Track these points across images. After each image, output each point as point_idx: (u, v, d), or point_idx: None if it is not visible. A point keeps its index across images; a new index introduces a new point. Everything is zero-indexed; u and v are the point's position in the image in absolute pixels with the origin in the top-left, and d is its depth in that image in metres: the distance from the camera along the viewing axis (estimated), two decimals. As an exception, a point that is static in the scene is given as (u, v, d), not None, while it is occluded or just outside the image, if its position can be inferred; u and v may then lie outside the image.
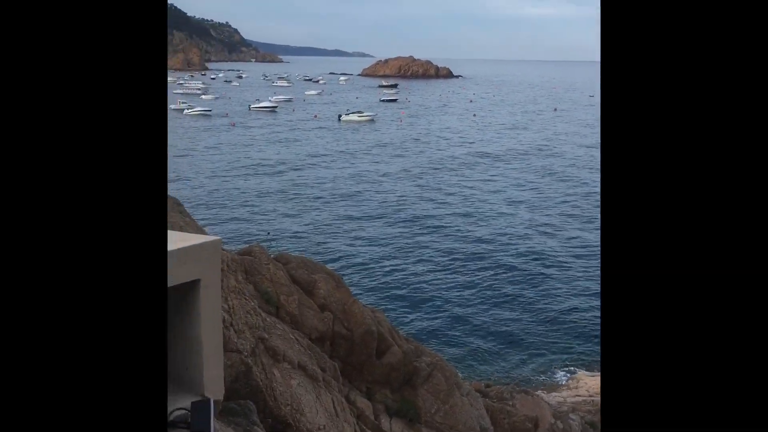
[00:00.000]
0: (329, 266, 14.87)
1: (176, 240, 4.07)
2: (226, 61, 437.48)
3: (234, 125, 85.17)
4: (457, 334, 25.19)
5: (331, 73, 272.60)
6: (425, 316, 26.79)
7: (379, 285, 29.26)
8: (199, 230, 10.45)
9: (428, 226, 38.35)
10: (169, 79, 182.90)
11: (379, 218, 40.27)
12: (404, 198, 45.65)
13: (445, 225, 38.78)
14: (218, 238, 4.25)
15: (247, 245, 12.49)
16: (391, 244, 34.95)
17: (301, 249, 32.20)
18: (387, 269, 31.22)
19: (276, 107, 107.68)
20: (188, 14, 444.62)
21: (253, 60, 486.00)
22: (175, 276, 3.82)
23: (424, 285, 29.45)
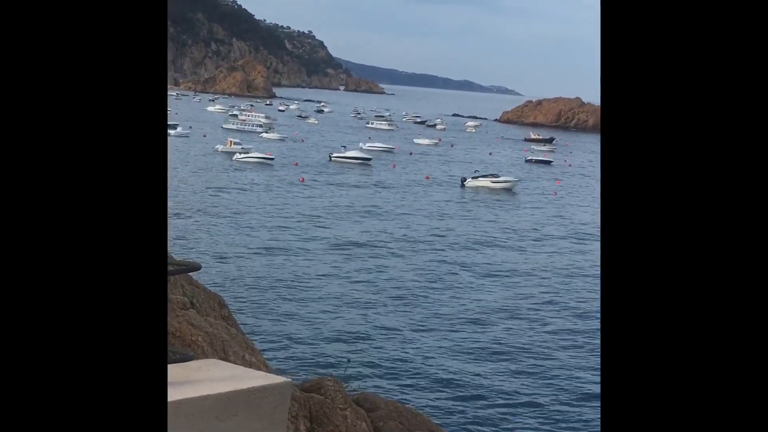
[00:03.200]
0: (436, 421, 14.23)
1: (219, 374, 4.39)
2: (304, 87, 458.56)
3: (303, 181, 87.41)
4: None
5: (454, 115, 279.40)
6: None
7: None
8: (249, 349, 10.21)
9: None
10: (219, 107, 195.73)
11: (514, 355, 39.03)
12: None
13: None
14: (287, 380, 4.46)
15: (315, 377, 12.23)
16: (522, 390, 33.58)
17: (395, 389, 31.41)
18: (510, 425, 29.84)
19: (369, 159, 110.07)
20: (256, 17, 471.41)
21: (342, 87, 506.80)
22: None
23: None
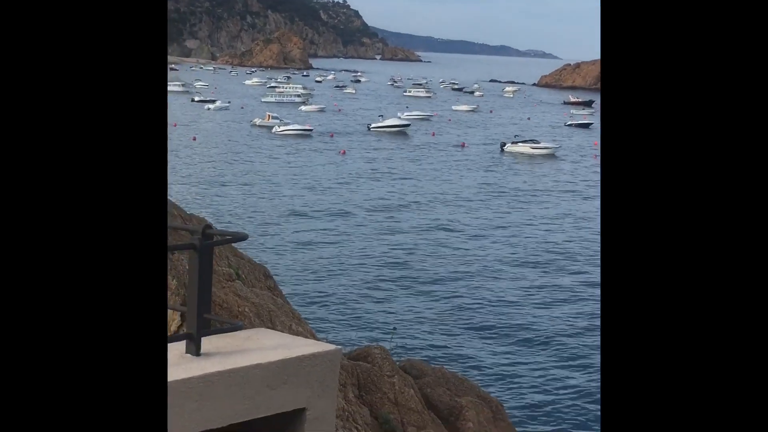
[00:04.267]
0: (486, 389, 14.27)
1: (268, 343, 4.41)
2: (340, 57, 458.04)
3: (344, 153, 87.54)
4: None
5: (492, 81, 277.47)
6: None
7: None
8: (295, 318, 10.32)
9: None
10: (257, 80, 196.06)
11: (570, 316, 38.93)
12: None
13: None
14: (336, 347, 4.47)
15: (363, 345, 12.30)
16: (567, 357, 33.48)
17: (442, 356, 31.54)
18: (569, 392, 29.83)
19: (407, 127, 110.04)
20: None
21: (378, 57, 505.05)
22: (266, 402, 4.13)
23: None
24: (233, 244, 11.71)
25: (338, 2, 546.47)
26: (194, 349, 4.30)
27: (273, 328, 8.73)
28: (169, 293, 7.79)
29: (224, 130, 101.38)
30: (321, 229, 52.55)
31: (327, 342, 4.68)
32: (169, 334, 7.63)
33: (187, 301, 4.53)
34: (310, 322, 14.23)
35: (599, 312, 3.07)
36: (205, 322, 4.40)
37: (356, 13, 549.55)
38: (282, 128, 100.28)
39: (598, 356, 31.34)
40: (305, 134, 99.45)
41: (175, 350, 4.39)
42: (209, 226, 4.51)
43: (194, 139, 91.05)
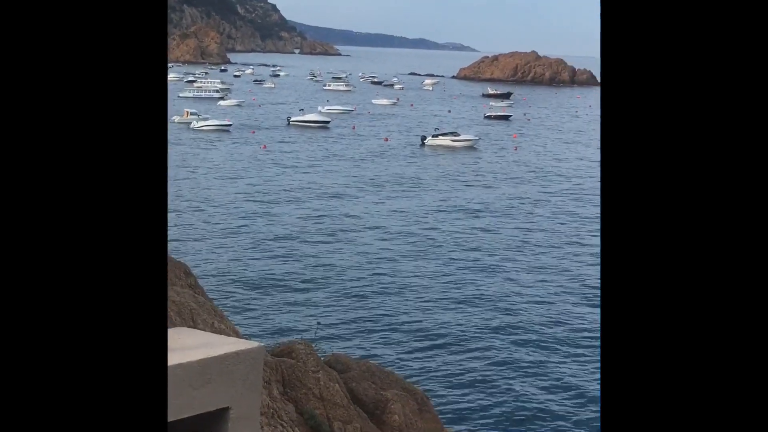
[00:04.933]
0: (409, 380, 14.35)
1: (190, 342, 4.34)
2: (258, 51, 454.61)
3: (265, 148, 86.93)
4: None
5: (411, 74, 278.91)
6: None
7: (481, 409, 28.15)
8: (217, 316, 10.19)
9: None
10: (174, 75, 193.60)
11: (475, 307, 39.34)
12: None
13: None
14: (260, 344, 4.46)
15: (286, 340, 12.26)
16: (489, 350, 33.89)
17: (366, 349, 31.60)
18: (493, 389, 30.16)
19: (328, 122, 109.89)
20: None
21: (297, 51, 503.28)
22: (189, 402, 4.07)
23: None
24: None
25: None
26: (114, 351, 4.22)
27: (195, 327, 8.63)
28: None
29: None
30: (241, 225, 52.12)
31: (250, 340, 4.61)
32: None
33: None
34: (232, 320, 14.16)
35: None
36: (125, 323, 4.34)
37: (273, 7, 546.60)
38: (200, 123, 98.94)
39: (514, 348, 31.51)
40: (224, 129, 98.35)
41: (94, 352, 4.31)
42: None
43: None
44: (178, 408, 4.06)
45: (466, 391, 29.89)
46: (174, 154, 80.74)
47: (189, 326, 8.67)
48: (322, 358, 12.03)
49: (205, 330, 8.57)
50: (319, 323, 33.60)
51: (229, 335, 8.86)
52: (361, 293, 39.75)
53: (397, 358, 32.00)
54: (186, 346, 4.36)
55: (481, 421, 28.01)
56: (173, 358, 4.14)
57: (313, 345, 12.53)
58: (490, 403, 29.20)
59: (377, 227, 53.47)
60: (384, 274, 42.94)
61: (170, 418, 4.06)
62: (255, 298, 38.21)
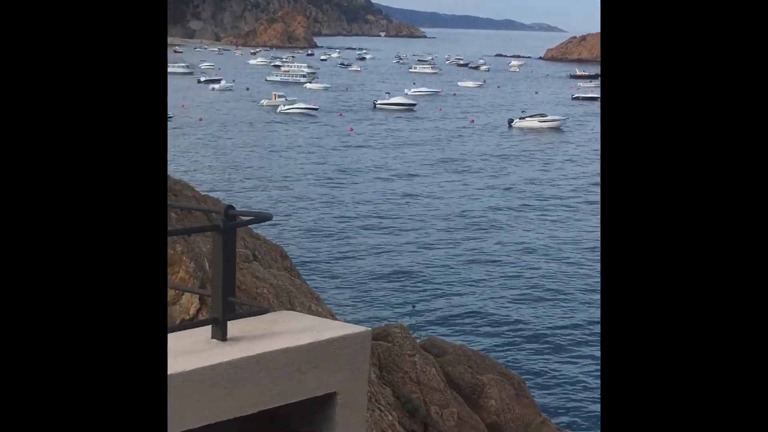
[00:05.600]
0: (506, 365, 14.26)
1: (295, 326, 4.33)
2: (344, 35, 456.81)
3: (352, 130, 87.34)
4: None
5: (498, 55, 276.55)
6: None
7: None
8: (314, 299, 10.26)
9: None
10: (261, 60, 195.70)
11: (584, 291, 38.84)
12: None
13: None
14: (366, 329, 4.40)
15: (382, 323, 12.27)
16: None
17: (462, 333, 31.59)
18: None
19: (414, 105, 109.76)
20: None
21: (383, 34, 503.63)
22: (296, 387, 4.05)
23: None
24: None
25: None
26: (220, 334, 4.17)
27: (292, 309, 8.63)
28: (186, 276, 7.69)
29: (230, 110, 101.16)
30: (332, 208, 52.48)
31: (353, 324, 4.53)
32: (187, 318, 7.54)
33: (211, 284, 4.40)
34: (326, 300, 14.23)
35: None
36: (230, 306, 4.28)
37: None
38: (287, 107, 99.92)
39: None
40: (311, 113, 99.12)
41: (200, 335, 4.27)
42: (231, 207, 4.37)
43: (200, 119, 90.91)
44: (285, 393, 4.02)
45: (564, 387, 29.64)
46: (262, 136, 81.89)
47: (287, 308, 8.68)
48: (418, 342, 12.00)
49: (302, 312, 8.58)
50: (414, 307, 33.64)
51: (326, 317, 8.86)
52: (454, 281, 39.69)
53: (492, 347, 31.87)
54: (292, 329, 4.31)
55: (576, 414, 27.74)
56: (280, 342, 4.09)
57: (409, 329, 12.51)
58: (583, 398, 28.88)
59: (464, 212, 53.23)
60: (477, 262, 42.76)
61: (277, 403, 4.02)
62: (348, 282, 38.46)
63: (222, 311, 4.19)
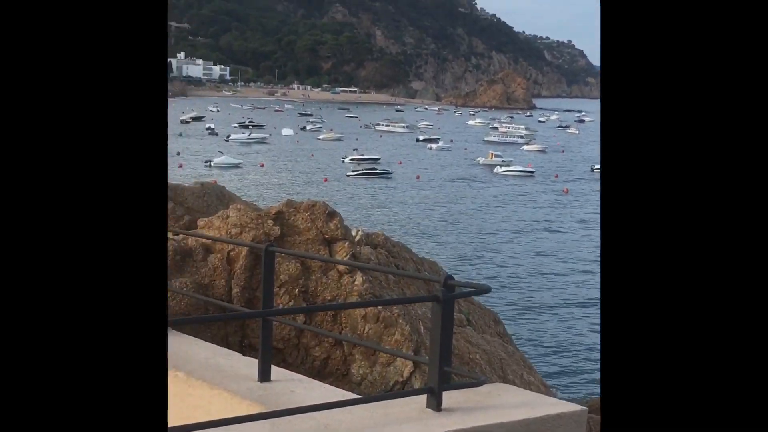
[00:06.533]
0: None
1: (511, 400, 4.25)
2: (563, 97, 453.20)
3: (567, 192, 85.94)
4: None
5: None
6: None
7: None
8: (526, 367, 10.05)
9: None
10: (480, 120, 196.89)
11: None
12: None
13: None
14: (583, 408, 4.28)
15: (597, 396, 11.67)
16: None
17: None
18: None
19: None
20: (515, 29, 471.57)
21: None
22: None
23: None
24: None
25: (563, 42, 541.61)
26: (435, 404, 4.20)
27: (504, 377, 8.50)
28: (402, 338, 7.76)
29: (446, 170, 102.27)
30: (548, 273, 51.65)
31: (568, 401, 4.41)
32: (401, 380, 7.62)
33: (429, 353, 4.45)
34: (537, 365, 13.82)
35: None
36: (446, 376, 4.30)
37: (581, 52, 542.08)
38: (504, 168, 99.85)
39: None
40: (528, 174, 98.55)
41: (415, 404, 4.31)
42: (450, 277, 4.41)
43: (418, 177, 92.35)
44: None
45: None
46: (478, 193, 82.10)
47: (499, 376, 8.57)
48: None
49: (514, 381, 8.43)
50: None
51: (539, 388, 8.66)
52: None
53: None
54: (506, 403, 4.27)
55: None
56: (494, 417, 4.06)
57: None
58: None
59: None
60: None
61: None
62: (560, 353, 37.49)
63: (438, 381, 4.21)
